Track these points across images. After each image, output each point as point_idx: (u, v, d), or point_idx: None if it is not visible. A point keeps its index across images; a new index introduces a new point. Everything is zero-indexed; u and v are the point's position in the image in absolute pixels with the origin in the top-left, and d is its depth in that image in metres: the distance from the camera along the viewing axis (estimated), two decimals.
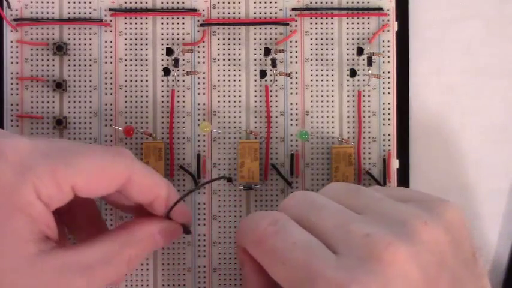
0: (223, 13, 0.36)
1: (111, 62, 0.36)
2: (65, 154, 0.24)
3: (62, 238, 0.27)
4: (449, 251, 0.23)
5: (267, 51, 0.35)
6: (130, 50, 0.36)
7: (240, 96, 0.36)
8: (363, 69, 0.36)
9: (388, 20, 0.36)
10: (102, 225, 0.31)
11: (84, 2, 0.36)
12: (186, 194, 0.29)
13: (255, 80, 0.36)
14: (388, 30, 0.36)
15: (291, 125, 0.36)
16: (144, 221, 0.28)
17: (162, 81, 0.36)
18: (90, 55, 0.35)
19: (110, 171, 0.25)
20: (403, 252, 0.22)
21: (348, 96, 0.36)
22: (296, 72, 0.36)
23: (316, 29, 0.36)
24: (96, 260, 0.25)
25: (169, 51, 0.35)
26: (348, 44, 0.36)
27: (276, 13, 0.36)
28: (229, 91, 0.36)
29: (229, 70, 0.36)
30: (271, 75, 0.35)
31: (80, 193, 0.25)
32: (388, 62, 0.36)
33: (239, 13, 0.36)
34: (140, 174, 0.26)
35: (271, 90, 0.36)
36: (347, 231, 0.24)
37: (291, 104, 0.36)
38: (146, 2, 0.36)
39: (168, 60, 0.35)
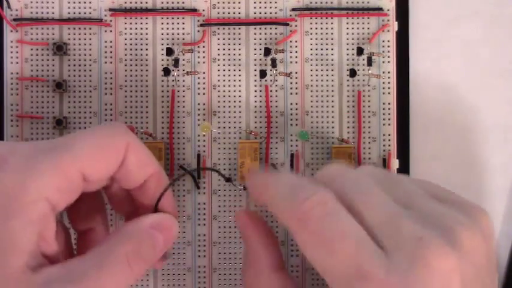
0: (223, 13, 0.36)
1: (111, 62, 0.36)
2: (65, 143, 0.24)
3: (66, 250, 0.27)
4: (484, 262, 0.23)
5: (267, 51, 0.35)
6: (130, 50, 0.36)
7: (240, 96, 0.36)
8: (363, 69, 0.36)
9: (388, 20, 0.36)
10: (106, 227, 0.30)
11: (84, 2, 0.36)
12: (173, 181, 0.29)
13: (255, 80, 0.36)
14: (388, 30, 0.36)
15: (291, 125, 0.36)
16: (134, 219, 0.27)
17: (162, 81, 0.36)
18: (90, 55, 0.35)
19: (111, 144, 0.25)
20: (453, 262, 0.22)
21: (348, 96, 0.36)
22: (296, 72, 0.36)
23: (316, 29, 0.36)
24: (88, 266, 0.23)
25: (169, 51, 0.35)
26: (348, 44, 0.36)
27: (276, 13, 0.36)
28: (229, 91, 0.36)
29: (229, 70, 0.36)
30: (271, 75, 0.35)
31: (91, 177, 0.24)
32: (388, 62, 0.36)
33: (239, 13, 0.36)
34: (136, 145, 0.26)
35: (271, 90, 0.36)
36: (398, 228, 0.22)
37: (291, 104, 0.36)
38: (146, 2, 0.36)
39: (168, 60, 0.35)
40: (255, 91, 0.36)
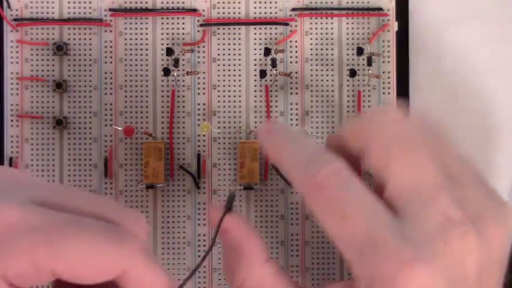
0: (223, 13, 0.36)
1: (111, 62, 0.36)
2: (52, 233, 0.21)
3: None
4: (503, 254, 0.23)
5: (267, 51, 0.35)
6: (130, 50, 0.36)
7: (240, 96, 0.36)
8: (363, 69, 0.36)
9: (388, 20, 0.36)
10: None
11: (84, 2, 0.36)
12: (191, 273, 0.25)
13: (255, 80, 0.36)
14: (388, 30, 0.36)
15: (291, 125, 0.36)
16: None
17: (162, 81, 0.36)
18: (90, 55, 0.35)
19: (100, 261, 0.21)
20: (473, 244, 0.22)
21: (348, 96, 0.36)
22: (296, 72, 0.36)
23: (316, 29, 0.36)
24: None
25: (169, 51, 0.35)
26: (348, 44, 0.36)
27: (276, 13, 0.36)
28: (229, 91, 0.36)
29: (229, 70, 0.36)
30: (271, 75, 0.35)
31: (62, 277, 0.21)
32: (388, 62, 0.36)
33: (239, 13, 0.36)
34: (139, 271, 0.22)
35: (271, 90, 0.36)
36: (429, 199, 0.22)
37: (291, 104, 0.36)
38: (146, 2, 0.36)
39: (168, 60, 0.35)
40: (255, 91, 0.36)
